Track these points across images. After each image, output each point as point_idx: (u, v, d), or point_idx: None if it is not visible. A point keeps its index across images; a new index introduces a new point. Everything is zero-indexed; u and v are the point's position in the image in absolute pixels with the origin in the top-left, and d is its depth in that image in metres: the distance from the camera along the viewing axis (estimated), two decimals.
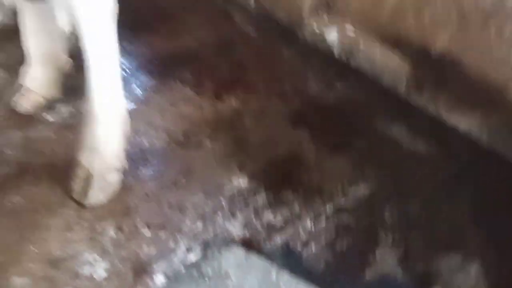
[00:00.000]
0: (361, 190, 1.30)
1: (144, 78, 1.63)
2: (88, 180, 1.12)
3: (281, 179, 1.29)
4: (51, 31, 1.32)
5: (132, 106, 1.45)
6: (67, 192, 1.14)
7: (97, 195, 1.11)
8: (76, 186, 1.13)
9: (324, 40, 1.84)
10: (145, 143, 1.34)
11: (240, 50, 1.85)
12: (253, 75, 1.71)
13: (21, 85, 1.40)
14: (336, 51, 1.82)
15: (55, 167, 1.22)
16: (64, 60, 1.41)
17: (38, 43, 1.32)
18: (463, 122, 1.55)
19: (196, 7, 2.10)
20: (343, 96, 1.67)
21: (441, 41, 1.59)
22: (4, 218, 1.08)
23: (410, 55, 1.66)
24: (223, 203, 1.19)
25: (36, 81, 1.36)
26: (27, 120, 1.36)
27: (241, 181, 1.26)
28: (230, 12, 2.08)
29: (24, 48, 1.38)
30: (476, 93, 1.53)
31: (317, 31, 1.86)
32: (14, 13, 1.77)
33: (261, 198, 1.22)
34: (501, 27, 1.41)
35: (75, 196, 1.12)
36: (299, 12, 1.89)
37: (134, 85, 1.58)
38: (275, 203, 1.21)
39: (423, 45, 1.62)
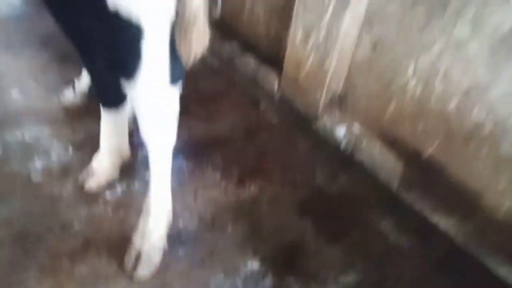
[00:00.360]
0: (350, 278, 1.61)
1: (182, 161, 2.00)
2: (138, 258, 1.47)
3: (285, 264, 1.62)
4: (121, 131, 1.72)
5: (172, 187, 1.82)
6: (121, 265, 1.50)
7: (144, 271, 1.47)
8: (128, 262, 1.48)
9: (333, 133, 2.19)
10: (180, 224, 1.69)
11: (263, 137, 2.21)
12: (271, 162, 2.06)
13: (89, 167, 1.79)
14: (342, 145, 2.16)
15: (112, 242, 1.58)
16: (127, 152, 1.80)
17: (109, 139, 1.71)
18: (443, 222, 1.84)
19: (230, 92, 2.50)
20: (345, 187, 1.99)
21: (431, 148, 1.90)
22: (73, 286, 1.44)
23: (404, 155, 1.98)
24: (238, 283, 1.52)
25: (102, 165, 1.75)
26: (91, 197, 1.74)
27: (254, 264, 1.59)
28: (257, 99, 2.46)
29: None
30: (457, 197, 1.82)
31: (328, 125, 2.21)
32: (85, 96, 2.20)
33: (268, 281, 1.54)
34: (479, 147, 1.71)
35: (126, 270, 1.48)
36: (315, 106, 2.24)
37: (173, 167, 1.95)
38: (279, 286, 1.53)
39: (415, 148, 1.94)
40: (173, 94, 1.28)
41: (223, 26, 2.75)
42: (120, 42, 1.05)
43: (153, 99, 1.20)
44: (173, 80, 1.23)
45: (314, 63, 2.15)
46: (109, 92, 1.55)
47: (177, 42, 1.22)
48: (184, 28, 1.23)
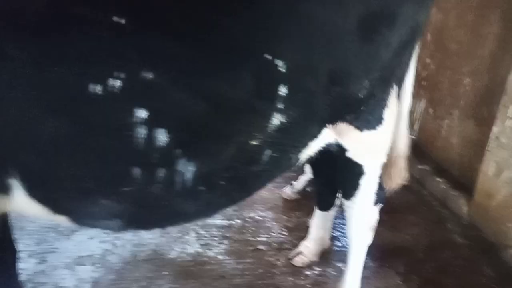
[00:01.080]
0: None
1: (368, 260, 2.40)
2: None
3: None
4: (327, 227, 2.29)
5: None
6: None
7: None
8: None
9: None
10: None
11: (445, 254, 2.41)
12: (450, 280, 2.24)
13: (298, 247, 2.39)
14: None
15: None
16: (328, 243, 2.35)
17: (317, 230, 2.30)
18: None
19: (417, 207, 2.82)
20: None
21: None
22: None
23: None
24: None
25: (308, 249, 2.33)
26: (296, 270, 2.31)
27: None
28: (443, 218, 2.70)
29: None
30: None
31: None
32: (300, 193, 2.92)
33: None
34: None
35: None
36: (505, 236, 2.33)
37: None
38: None
39: None
40: (375, 212, 1.78)
41: (417, 148, 3.16)
42: (347, 178, 1.63)
43: (362, 214, 1.72)
44: (376, 202, 1.73)
45: (507, 196, 2.30)
46: (326, 203, 2.16)
47: (382, 176, 1.74)
48: (389, 166, 1.74)
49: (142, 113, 0.95)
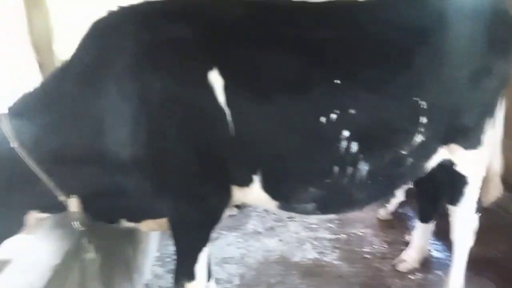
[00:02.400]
0: None
1: None
2: None
3: None
4: (427, 237, 2.75)
5: None
6: None
7: None
8: None
9: None
10: None
11: None
12: None
13: (400, 256, 2.86)
14: None
15: None
16: (426, 251, 2.81)
17: (418, 240, 2.76)
18: None
19: (502, 227, 3.19)
20: None
21: None
22: None
23: None
24: None
25: (410, 257, 2.78)
26: (401, 275, 2.76)
27: None
28: None
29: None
30: None
31: None
32: (392, 213, 3.41)
33: None
34: None
35: None
36: None
37: None
38: None
39: None
40: (476, 218, 2.26)
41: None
42: (454, 187, 2.15)
43: (466, 219, 2.21)
44: (477, 211, 2.22)
45: None
46: (427, 215, 2.65)
47: (481, 190, 2.23)
48: (486, 182, 2.23)
49: (346, 133, 1.61)
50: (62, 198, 1.65)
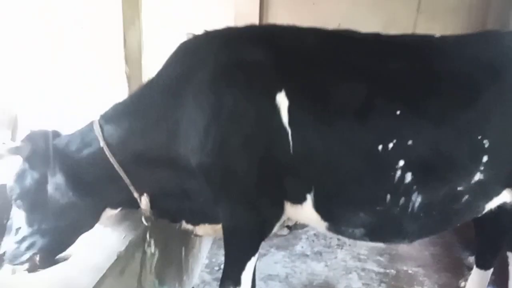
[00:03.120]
0: None
1: None
2: None
3: None
4: (484, 284, 2.61)
5: None
6: None
7: None
8: None
9: None
10: None
11: None
12: None
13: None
14: None
15: None
16: None
17: (474, 286, 2.63)
18: None
19: None
20: None
21: None
22: None
23: None
24: None
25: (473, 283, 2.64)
26: None
27: None
28: None
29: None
30: None
31: None
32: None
33: None
34: None
35: None
36: None
37: None
38: None
39: None
40: None
41: None
42: None
43: None
44: None
45: None
46: (486, 261, 2.52)
47: None
48: None
49: (401, 163, 1.64)
50: (136, 195, 1.85)
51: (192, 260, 2.88)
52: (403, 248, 3.37)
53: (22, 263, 1.73)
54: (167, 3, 4.20)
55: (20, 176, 1.78)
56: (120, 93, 2.27)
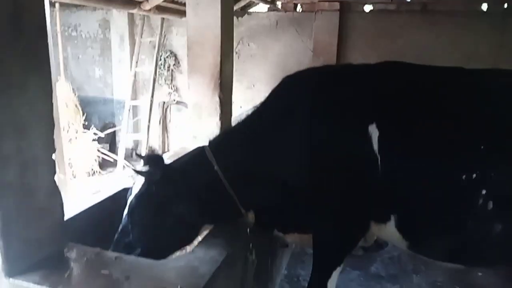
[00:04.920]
0: None
1: None
2: None
3: None
4: None
5: None
6: None
7: None
8: None
9: None
10: None
11: None
12: None
13: None
14: None
15: None
16: None
17: None
18: None
19: None
20: None
21: None
22: None
23: None
24: None
25: None
26: None
27: None
28: None
29: None
30: None
31: None
32: None
33: None
34: None
35: None
36: None
37: None
38: None
39: None
40: None
41: None
42: None
43: None
44: None
45: None
46: None
47: None
48: None
49: (483, 192, 1.82)
50: (243, 211, 2.18)
51: (275, 270, 3.17)
52: (482, 278, 3.35)
53: None
54: None
55: (142, 197, 2.02)
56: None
